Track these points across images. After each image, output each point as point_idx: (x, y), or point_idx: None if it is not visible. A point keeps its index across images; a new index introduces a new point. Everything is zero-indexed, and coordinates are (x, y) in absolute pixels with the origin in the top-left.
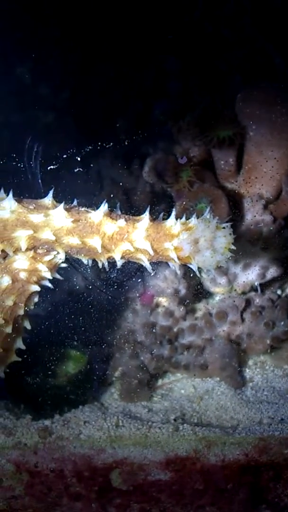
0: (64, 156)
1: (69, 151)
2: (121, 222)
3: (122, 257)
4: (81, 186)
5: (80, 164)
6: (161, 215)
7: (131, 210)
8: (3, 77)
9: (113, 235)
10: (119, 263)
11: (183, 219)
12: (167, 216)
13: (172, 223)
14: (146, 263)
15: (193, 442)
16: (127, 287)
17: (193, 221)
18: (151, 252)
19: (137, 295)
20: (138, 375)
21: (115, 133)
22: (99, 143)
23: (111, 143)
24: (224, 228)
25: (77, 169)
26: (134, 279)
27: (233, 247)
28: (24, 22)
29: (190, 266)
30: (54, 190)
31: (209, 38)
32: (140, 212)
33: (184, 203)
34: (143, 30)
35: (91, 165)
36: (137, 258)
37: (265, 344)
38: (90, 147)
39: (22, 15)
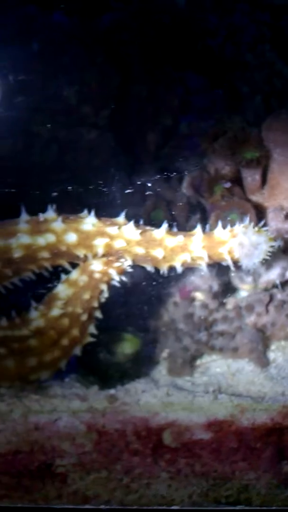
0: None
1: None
2: (180, 237)
3: (182, 265)
4: (127, 198)
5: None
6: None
7: (173, 219)
8: (52, 98)
9: (173, 248)
10: (179, 270)
11: (228, 227)
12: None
13: (221, 232)
14: (204, 267)
15: (229, 408)
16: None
17: (238, 228)
18: (207, 259)
19: (177, 290)
20: (182, 355)
21: (147, 147)
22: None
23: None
24: (264, 232)
25: (130, 189)
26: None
27: (272, 248)
28: (71, 49)
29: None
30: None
31: (231, 61)
32: (179, 221)
33: (218, 214)
34: (172, 54)
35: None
36: (195, 264)
37: (286, 331)
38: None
39: (70, 43)
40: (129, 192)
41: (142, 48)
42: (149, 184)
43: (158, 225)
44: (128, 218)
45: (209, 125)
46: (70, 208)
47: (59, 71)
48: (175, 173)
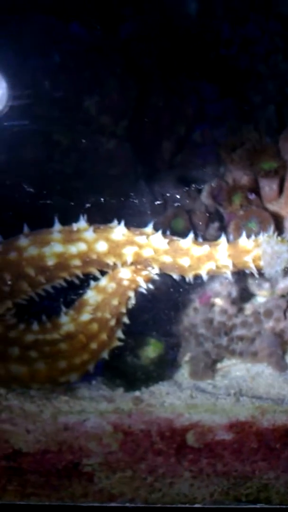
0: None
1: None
2: (206, 247)
3: (207, 273)
4: (148, 206)
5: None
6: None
7: (193, 227)
8: (74, 108)
9: (199, 256)
10: (205, 278)
11: (252, 237)
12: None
13: (246, 242)
14: (228, 275)
15: (250, 410)
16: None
17: (262, 237)
18: (232, 267)
19: (197, 296)
20: (204, 359)
21: (163, 156)
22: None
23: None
24: (286, 241)
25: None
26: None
27: None
28: (91, 62)
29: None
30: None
31: (244, 71)
32: (198, 229)
33: (237, 222)
34: (186, 64)
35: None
36: (220, 272)
37: None
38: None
39: (90, 56)
40: (150, 201)
41: (159, 58)
42: (169, 194)
43: (178, 234)
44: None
45: (221, 134)
46: (98, 217)
47: (80, 82)
48: (194, 183)
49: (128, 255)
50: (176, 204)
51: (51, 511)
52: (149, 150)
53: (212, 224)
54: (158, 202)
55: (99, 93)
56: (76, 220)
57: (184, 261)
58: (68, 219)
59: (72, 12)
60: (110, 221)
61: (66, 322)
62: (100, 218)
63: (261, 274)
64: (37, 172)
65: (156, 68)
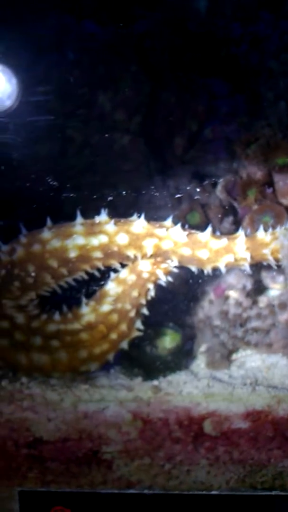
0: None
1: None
2: (224, 240)
3: (226, 266)
4: (163, 201)
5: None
6: None
7: (207, 221)
8: (87, 105)
9: (218, 249)
10: (223, 270)
11: (270, 230)
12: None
13: (263, 235)
14: (246, 267)
15: (266, 399)
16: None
17: (279, 231)
18: (250, 260)
19: (212, 289)
20: (220, 350)
21: (175, 151)
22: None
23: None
24: None
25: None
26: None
27: None
28: (106, 59)
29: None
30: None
31: (255, 68)
32: (213, 222)
33: (252, 216)
34: (198, 61)
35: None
36: (238, 265)
37: None
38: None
39: (105, 54)
40: (166, 195)
41: (171, 55)
42: (184, 188)
43: (194, 227)
44: (164, 219)
45: (232, 130)
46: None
47: (94, 79)
48: (208, 178)
49: (148, 247)
50: (191, 198)
51: (71, 498)
52: (162, 145)
53: (227, 218)
54: (179, 196)
55: (113, 90)
56: (92, 214)
57: (203, 254)
58: (84, 213)
59: (86, 11)
60: (128, 214)
61: (87, 312)
62: (119, 211)
63: (278, 267)
64: (52, 167)
65: (168, 65)
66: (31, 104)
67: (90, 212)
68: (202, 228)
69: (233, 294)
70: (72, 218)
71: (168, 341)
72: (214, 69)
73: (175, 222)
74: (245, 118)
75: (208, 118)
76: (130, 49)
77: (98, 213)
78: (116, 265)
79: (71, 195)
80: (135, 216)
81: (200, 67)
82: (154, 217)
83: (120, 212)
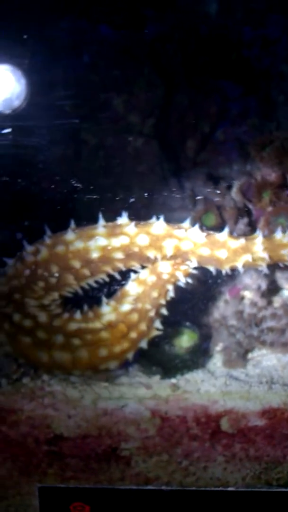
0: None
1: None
2: (242, 240)
3: (243, 266)
4: (179, 202)
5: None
6: None
7: (222, 222)
8: (101, 107)
9: (236, 249)
10: (241, 270)
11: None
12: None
13: (281, 235)
14: (264, 267)
15: (283, 397)
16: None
17: None
18: (268, 260)
19: (227, 289)
20: (236, 349)
21: (187, 153)
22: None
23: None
24: None
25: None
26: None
27: None
28: (120, 62)
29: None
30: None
31: (266, 71)
32: (228, 224)
33: (267, 218)
34: (211, 64)
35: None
36: (255, 265)
37: None
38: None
39: (120, 57)
40: (181, 197)
41: (184, 58)
42: (198, 190)
43: (209, 229)
44: (181, 221)
45: (243, 132)
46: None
47: (109, 82)
48: (221, 180)
49: (168, 248)
50: (206, 200)
51: (90, 494)
52: (175, 147)
53: (242, 220)
54: (199, 197)
55: (127, 92)
56: (107, 216)
57: (221, 253)
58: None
59: (102, 15)
60: (143, 216)
61: (108, 311)
62: (136, 213)
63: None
64: (66, 168)
65: (181, 67)
66: (45, 107)
67: (105, 214)
68: (217, 229)
69: (248, 295)
70: (86, 219)
71: (186, 340)
72: (226, 72)
73: (192, 224)
74: (256, 120)
75: (220, 120)
76: (143, 53)
77: (115, 215)
78: (137, 267)
79: (87, 197)
80: (154, 219)
81: (212, 70)
82: (170, 219)
83: (138, 214)
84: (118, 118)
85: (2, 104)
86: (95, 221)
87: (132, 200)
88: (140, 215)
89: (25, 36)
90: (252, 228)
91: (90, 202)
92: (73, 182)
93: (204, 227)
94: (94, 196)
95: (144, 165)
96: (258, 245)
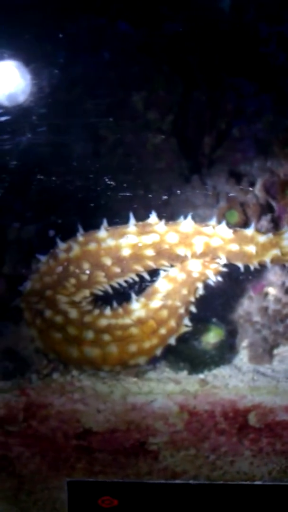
0: None
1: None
2: (270, 234)
3: (272, 261)
4: (202, 200)
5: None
6: None
7: (246, 219)
8: (121, 104)
9: (264, 244)
10: (269, 265)
11: None
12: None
13: None
14: None
15: None
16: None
17: None
18: None
19: (251, 286)
20: (262, 345)
21: (204, 150)
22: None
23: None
24: None
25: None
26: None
27: None
28: (140, 60)
29: None
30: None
31: (282, 67)
32: (252, 220)
33: None
34: (227, 61)
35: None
36: (284, 260)
37: None
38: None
39: (138, 55)
40: (203, 193)
41: (201, 56)
42: (221, 187)
43: (233, 225)
44: (205, 218)
45: (258, 129)
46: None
47: (128, 79)
48: (241, 177)
49: (198, 244)
50: (229, 197)
51: (118, 488)
52: (193, 144)
53: (265, 216)
54: (232, 195)
55: (146, 89)
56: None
57: (250, 249)
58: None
59: (121, 13)
60: (171, 214)
61: (138, 308)
62: (165, 210)
63: None
64: (86, 165)
65: (198, 64)
66: (65, 104)
67: (123, 212)
68: (240, 226)
69: (272, 291)
70: (119, 217)
71: (212, 336)
72: (242, 69)
73: (218, 221)
74: (271, 117)
75: (236, 117)
76: (163, 50)
77: (147, 212)
78: (167, 265)
79: (107, 193)
80: (181, 218)
81: (228, 67)
82: (194, 216)
83: (161, 211)
84: (137, 115)
85: (7, 98)
86: (127, 219)
87: (165, 197)
88: (164, 213)
89: (44, 34)
90: (275, 224)
91: (121, 200)
92: (106, 179)
93: (228, 224)
94: (127, 194)
95: (163, 162)
96: (286, 240)
